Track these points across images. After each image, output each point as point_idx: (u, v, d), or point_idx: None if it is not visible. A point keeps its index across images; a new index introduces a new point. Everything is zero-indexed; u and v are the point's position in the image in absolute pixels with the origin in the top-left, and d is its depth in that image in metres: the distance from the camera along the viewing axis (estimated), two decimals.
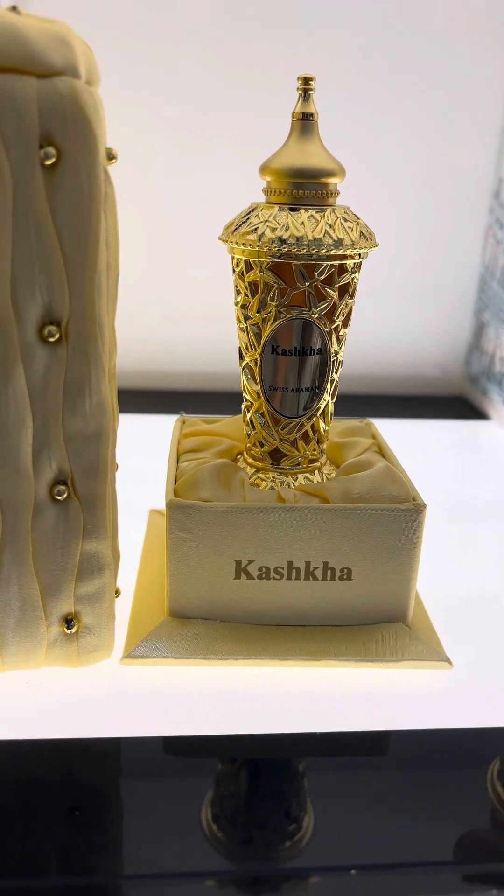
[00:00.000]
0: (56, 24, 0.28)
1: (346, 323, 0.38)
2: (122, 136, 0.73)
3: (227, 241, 0.37)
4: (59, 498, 0.32)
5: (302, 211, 0.35)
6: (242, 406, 0.41)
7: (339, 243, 0.35)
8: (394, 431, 0.58)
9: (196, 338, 0.82)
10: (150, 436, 0.55)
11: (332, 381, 0.39)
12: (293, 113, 0.36)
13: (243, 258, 0.36)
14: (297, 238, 0.34)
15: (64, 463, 0.32)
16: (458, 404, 0.84)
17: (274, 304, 0.36)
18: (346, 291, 0.37)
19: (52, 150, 0.27)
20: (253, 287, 0.37)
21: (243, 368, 0.39)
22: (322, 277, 0.35)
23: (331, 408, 0.40)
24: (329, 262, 0.35)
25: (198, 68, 0.73)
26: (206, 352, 0.82)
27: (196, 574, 0.38)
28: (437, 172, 0.79)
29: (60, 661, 0.36)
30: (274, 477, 0.40)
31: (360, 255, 0.36)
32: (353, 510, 0.37)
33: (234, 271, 0.38)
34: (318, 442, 0.40)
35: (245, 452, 0.42)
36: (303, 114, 0.36)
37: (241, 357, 0.39)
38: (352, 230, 0.35)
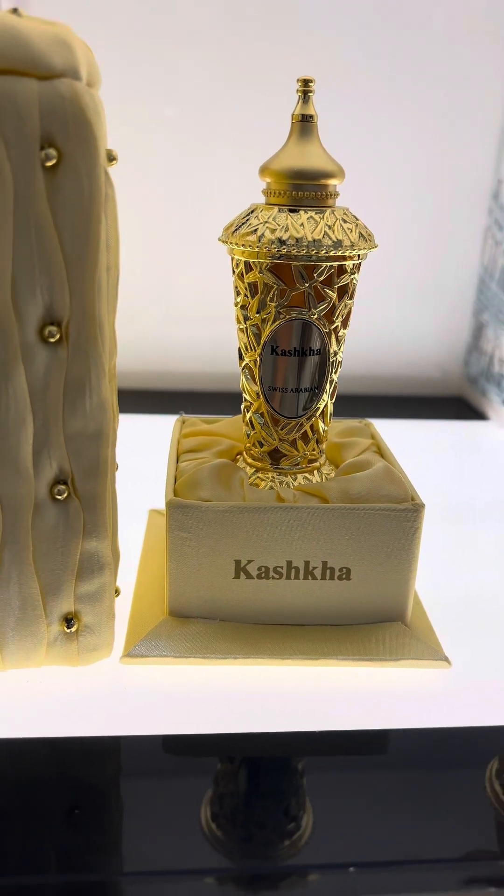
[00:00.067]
0: (57, 27, 0.28)
1: (345, 324, 0.38)
2: (123, 136, 0.73)
3: (226, 242, 0.37)
4: (59, 497, 0.32)
5: (301, 212, 0.35)
6: (242, 406, 0.41)
7: (338, 244, 0.35)
8: (393, 432, 0.58)
9: (196, 338, 0.82)
10: (151, 436, 0.56)
11: (332, 382, 0.39)
12: (293, 115, 0.36)
13: (243, 259, 0.36)
14: (297, 239, 0.35)
15: (64, 462, 0.32)
16: (457, 405, 0.84)
17: (273, 304, 0.36)
18: (345, 292, 0.37)
19: (52, 152, 0.27)
20: (252, 288, 0.37)
21: (243, 369, 0.39)
22: (321, 278, 0.36)
23: (330, 408, 0.40)
24: (328, 263, 0.35)
25: (198, 68, 0.73)
26: (206, 352, 0.82)
27: (195, 573, 0.38)
28: (437, 174, 0.79)
29: (60, 660, 0.36)
30: (273, 477, 0.40)
31: (359, 256, 0.36)
32: (352, 510, 0.37)
33: (233, 272, 0.38)
34: (317, 442, 0.40)
35: (245, 452, 0.42)
36: (302, 115, 0.36)
37: (241, 357, 0.39)
38: (351, 231, 0.35)
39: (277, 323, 0.37)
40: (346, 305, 0.38)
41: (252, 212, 0.36)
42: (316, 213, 0.35)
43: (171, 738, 0.34)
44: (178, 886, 0.28)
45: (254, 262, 0.36)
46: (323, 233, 0.35)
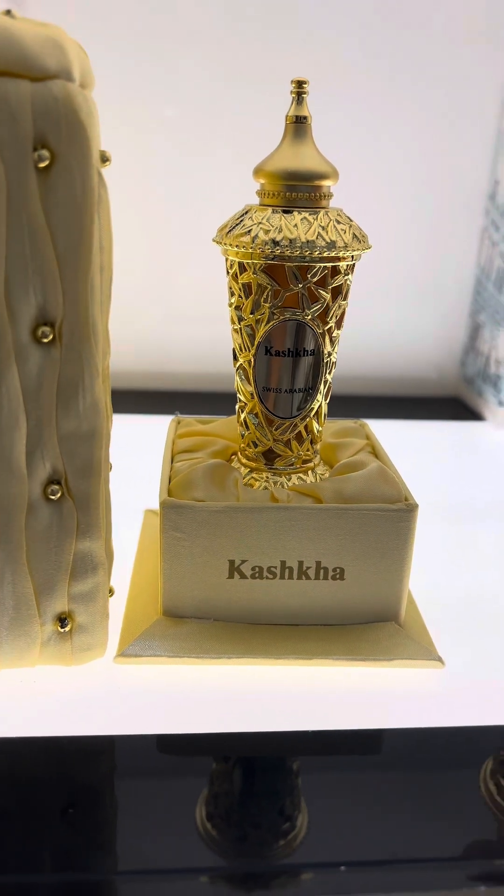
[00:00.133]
0: (50, 28, 0.28)
1: (339, 324, 0.38)
2: (122, 136, 0.74)
3: (220, 243, 0.37)
4: (52, 497, 0.32)
5: (295, 213, 0.35)
6: (236, 407, 0.41)
7: (331, 245, 0.35)
8: (389, 432, 0.58)
9: (193, 338, 0.82)
10: (147, 436, 0.56)
11: (326, 382, 0.39)
12: (287, 116, 0.36)
13: (237, 260, 0.36)
14: (290, 240, 0.35)
15: (57, 463, 0.32)
16: (453, 405, 0.84)
17: (267, 305, 0.36)
18: (339, 293, 0.37)
19: (45, 153, 0.28)
20: (246, 288, 0.37)
21: (237, 369, 0.39)
22: (315, 279, 0.36)
23: (324, 408, 0.40)
24: (322, 264, 0.35)
25: (198, 68, 0.73)
26: (202, 352, 0.82)
27: (190, 573, 0.38)
28: (434, 175, 0.79)
29: (54, 660, 0.36)
30: (268, 477, 0.40)
31: (352, 257, 0.36)
32: (346, 510, 0.38)
33: (228, 273, 0.38)
34: (311, 442, 0.40)
35: (239, 453, 0.42)
36: (296, 117, 0.36)
37: (235, 358, 0.39)
38: (344, 232, 0.36)
39: (271, 324, 0.37)
40: (339, 306, 0.38)
41: (246, 213, 0.37)
42: (310, 215, 0.35)
43: (165, 737, 0.34)
44: (173, 885, 0.28)
45: (248, 263, 0.36)
46: (316, 234, 0.35)
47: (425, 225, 0.81)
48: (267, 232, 0.35)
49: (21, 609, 0.34)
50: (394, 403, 0.84)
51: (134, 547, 0.48)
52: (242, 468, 0.41)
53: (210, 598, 0.39)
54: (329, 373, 0.39)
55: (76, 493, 0.33)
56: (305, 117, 0.36)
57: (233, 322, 0.39)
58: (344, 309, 0.38)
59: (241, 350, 0.39)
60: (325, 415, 0.41)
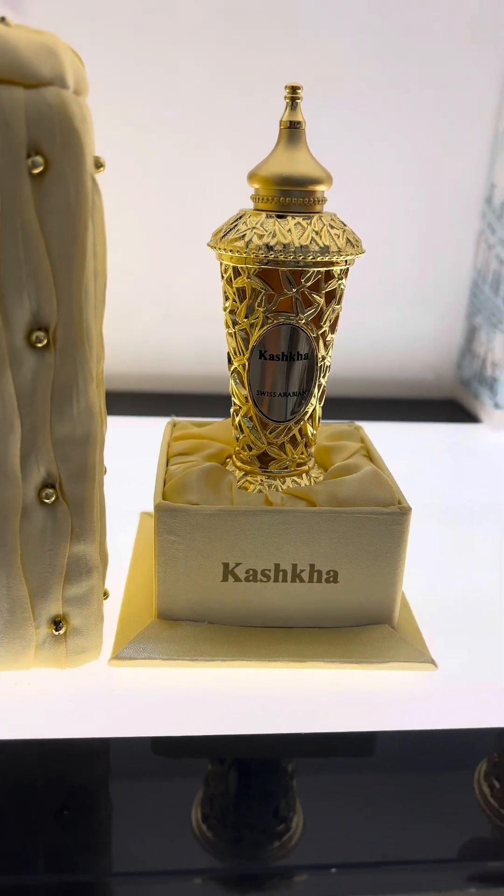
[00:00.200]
0: (44, 35, 0.29)
1: (333, 328, 0.39)
2: (121, 137, 0.74)
3: (215, 248, 0.37)
4: (46, 501, 0.33)
5: (289, 218, 0.36)
6: (231, 410, 0.41)
7: (325, 250, 0.35)
8: (386, 434, 0.58)
9: (190, 340, 0.82)
10: (144, 438, 0.56)
11: (320, 386, 0.39)
12: (281, 121, 0.37)
13: (231, 264, 0.37)
14: (284, 245, 0.35)
15: (52, 466, 0.32)
16: (450, 408, 0.85)
17: (261, 309, 0.37)
18: (332, 297, 0.37)
19: (39, 160, 0.28)
20: (241, 293, 0.37)
21: (232, 373, 0.40)
22: (309, 284, 0.36)
23: (318, 412, 0.40)
24: (315, 269, 0.36)
25: (196, 70, 0.73)
26: (199, 354, 0.82)
27: (184, 576, 0.38)
28: (430, 178, 0.79)
29: (49, 663, 0.36)
30: (262, 480, 0.40)
31: (346, 261, 0.36)
32: (339, 513, 0.38)
33: (222, 277, 0.38)
34: (305, 446, 0.41)
35: (234, 456, 0.42)
36: (290, 122, 0.36)
37: (230, 362, 0.40)
38: (338, 237, 0.36)
39: (265, 328, 0.37)
40: (333, 310, 0.38)
41: (240, 217, 0.37)
42: (303, 219, 0.36)
43: (160, 739, 0.35)
44: (167, 887, 0.28)
45: (242, 268, 0.36)
46: (310, 239, 0.35)
47: (422, 227, 0.81)
48: (261, 237, 0.35)
49: (16, 612, 0.34)
50: (390, 405, 0.84)
51: (129, 549, 0.48)
52: (237, 471, 0.41)
53: (204, 600, 0.39)
54: (323, 376, 0.39)
55: (70, 496, 0.33)
56: (299, 122, 0.36)
57: (227, 326, 0.39)
58: (338, 313, 0.38)
59: (235, 354, 0.39)
60: (319, 418, 0.41)
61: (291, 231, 0.35)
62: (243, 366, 0.38)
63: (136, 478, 0.50)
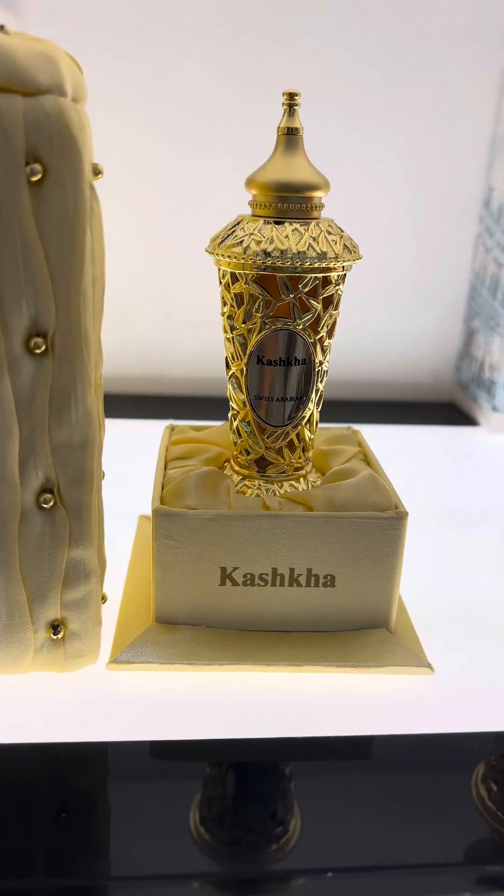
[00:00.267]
0: (43, 43, 0.29)
1: (330, 333, 0.39)
2: (120, 142, 0.74)
3: (213, 254, 0.37)
4: (45, 506, 0.33)
5: (286, 224, 0.36)
6: (229, 414, 0.41)
7: (322, 256, 0.35)
8: (384, 437, 0.59)
9: (189, 343, 0.83)
10: (142, 441, 0.56)
11: (318, 391, 0.40)
12: (278, 127, 0.37)
13: (229, 270, 0.37)
14: (282, 251, 0.35)
15: (50, 472, 0.33)
16: (448, 410, 0.85)
17: (259, 315, 0.37)
18: (330, 303, 0.38)
19: (38, 167, 0.28)
20: (238, 298, 0.37)
21: (230, 378, 0.40)
22: (306, 289, 0.36)
23: (316, 416, 0.41)
24: (313, 275, 0.36)
25: (195, 76, 0.73)
26: (198, 357, 0.83)
27: (182, 580, 0.39)
28: (428, 181, 0.79)
29: (47, 667, 0.36)
30: (260, 484, 0.41)
31: (343, 267, 0.36)
32: (337, 518, 0.38)
33: (220, 282, 0.38)
34: (303, 450, 0.41)
35: (232, 460, 0.42)
36: (288, 128, 0.37)
37: (228, 366, 0.40)
38: (335, 243, 0.36)
39: (263, 333, 0.37)
40: (331, 316, 0.38)
41: (238, 223, 0.37)
42: (301, 226, 0.36)
43: (158, 743, 0.35)
44: (166, 891, 0.28)
45: (239, 274, 0.36)
46: (307, 245, 0.35)
47: (420, 231, 0.81)
48: (258, 243, 0.35)
49: (14, 616, 0.34)
50: (389, 408, 0.84)
51: (127, 552, 0.48)
52: (235, 475, 0.41)
53: (202, 604, 0.39)
54: (321, 381, 0.39)
55: (69, 501, 0.33)
56: (297, 129, 0.37)
57: (225, 331, 0.39)
58: (335, 318, 0.39)
59: (233, 359, 0.39)
60: (316, 422, 0.41)
61: (289, 237, 0.35)
62: (241, 371, 0.39)
63: (135, 481, 0.50)
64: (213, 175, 0.76)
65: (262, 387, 0.38)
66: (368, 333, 0.84)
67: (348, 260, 0.36)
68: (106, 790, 0.33)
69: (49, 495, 0.33)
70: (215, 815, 0.31)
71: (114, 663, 0.38)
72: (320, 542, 0.38)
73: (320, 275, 0.36)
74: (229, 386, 0.40)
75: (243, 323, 0.37)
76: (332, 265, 0.36)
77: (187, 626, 0.39)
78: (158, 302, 0.82)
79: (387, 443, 0.55)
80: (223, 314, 0.39)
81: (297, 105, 0.37)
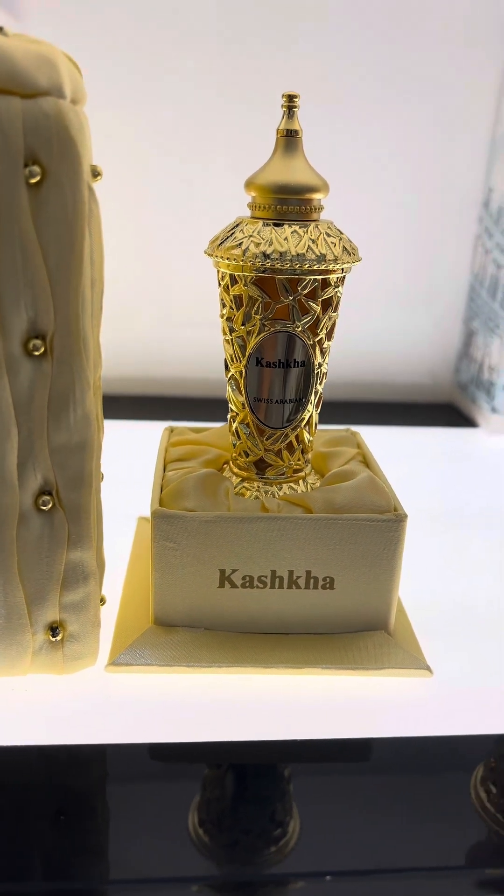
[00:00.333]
0: (42, 45, 0.29)
1: (329, 336, 0.39)
2: (119, 144, 0.74)
3: (212, 255, 0.37)
4: (43, 508, 0.33)
5: (286, 226, 0.36)
6: (228, 416, 0.41)
7: (321, 258, 0.35)
8: (383, 438, 0.59)
9: (189, 344, 0.83)
10: (141, 442, 0.56)
11: (317, 393, 0.40)
12: (277, 129, 0.37)
13: (228, 272, 0.37)
14: (281, 253, 0.35)
15: (49, 474, 0.32)
16: (447, 412, 0.85)
17: (258, 317, 0.37)
18: (329, 305, 0.38)
19: (36, 169, 0.28)
20: (237, 300, 0.37)
21: (229, 379, 0.40)
22: (305, 291, 0.36)
23: (315, 418, 0.40)
24: (312, 277, 0.36)
25: (194, 77, 0.73)
26: (198, 358, 0.83)
27: (180, 583, 0.39)
28: (428, 182, 0.79)
29: (45, 669, 0.36)
30: (259, 487, 0.40)
31: (342, 269, 0.36)
32: (336, 520, 0.38)
33: (219, 284, 0.38)
34: (302, 452, 0.41)
35: (231, 462, 0.42)
36: (287, 130, 0.37)
37: (227, 368, 0.40)
38: (335, 245, 0.36)
39: (262, 335, 0.37)
40: (330, 318, 0.38)
41: (237, 225, 0.37)
42: (300, 228, 0.36)
43: (156, 745, 0.35)
44: (165, 894, 0.28)
45: (238, 276, 0.36)
46: (307, 247, 0.35)
47: (419, 232, 0.81)
48: (258, 245, 0.35)
49: (12, 618, 0.34)
50: (388, 410, 0.84)
51: (126, 554, 0.48)
52: (234, 477, 0.41)
53: (201, 607, 0.39)
54: (320, 383, 0.39)
55: (67, 504, 0.33)
56: (296, 131, 0.37)
57: (224, 333, 0.39)
58: (334, 320, 0.39)
59: (232, 361, 0.39)
60: (315, 424, 0.41)
61: (288, 239, 0.35)
62: (240, 373, 0.39)
63: (134, 482, 0.50)
64: (213, 177, 0.76)
65: (262, 389, 0.38)
66: (367, 335, 0.84)
67: (347, 262, 0.36)
68: (105, 792, 0.33)
69: (48, 497, 0.33)
70: (214, 818, 0.31)
71: (112, 665, 0.38)
72: (319, 545, 0.38)
73: (319, 277, 0.36)
74: (228, 388, 0.40)
75: (242, 325, 0.37)
76: (331, 267, 0.36)
77: (186, 629, 0.39)
78: (158, 303, 0.82)
79: (386, 444, 0.55)
80: (222, 316, 0.39)
81: (296, 107, 0.36)
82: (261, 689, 0.38)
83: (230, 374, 0.39)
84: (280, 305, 0.36)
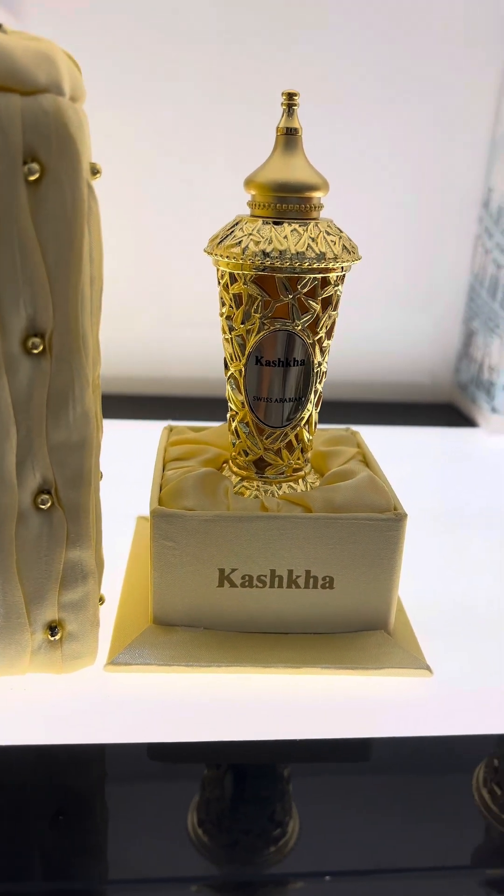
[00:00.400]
0: (41, 42, 0.29)
1: (329, 334, 0.39)
2: (118, 142, 0.74)
3: (211, 254, 0.37)
4: (42, 507, 0.33)
5: (285, 224, 0.36)
6: (228, 415, 0.41)
7: (321, 257, 0.35)
8: (383, 438, 0.59)
9: (188, 343, 0.82)
10: (141, 441, 0.56)
11: (316, 392, 0.39)
12: (277, 128, 0.37)
13: (227, 270, 0.37)
14: (280, 251, 0.35)
15: (48, 472, 0.32)
16: (447, 412, 0.85)
17: (258, 315, 0.37)
18: (329, 304, 0.37)
19: (35, 166, 0.28)
20: (237, 299, 0.37)
21: (228, 378, 0.40)
22: (305, 290, 0.36)
23: (315, 417, 0.40)
24: (312, 276, 0.36)
25: (194, 75, 0.73)
26: (198, 357, 0.83)
27: (180, 582, 0.38)
28: (428, 182, 0.79)
29: (44, 668, 0.36)
30: (258, 486, 0.40)
31: (342, 268, 0.36)
32: (335, 519, 0.38)
33: (219, 283, 0.38)
34: (301, 451, 0.41)
35: (230, 461, 0.42)
36: (287, 128, 0.36)
37: (227, 367, 0.40)
38: (334, 244, 0.36)
39: (262, 334, 0.37)
40: (330, 317, 0.38)
41: (237, 224, 0.37)
42: (300, 226, 0.36)
43: (155, 745, 0.35)
44: (164, 894, 0.28)
45: (238, 274, 0.36)
46: (306, 245, 0.35)
47: (419, 232, 0.81)
48: (257, 243, 0.35)
49: (11, 618, 0.34)
50: (388, 409, 0.84)
51: (125, 553, 0.48)
52: (233, 476, 0.41)
53: (200, 606, 0.39)
54: (319, 382, 0.39)
55: (66, 502, 0.33)
56: (296, 129, 0.37)
57: (224, 332, 0.39)
58: (334, 319, 0.38)
59: (231, 359, 0.39)
60: (315, 423, 0.41)
61: (288, 238, 0.35)
62: (240, 371, 0.38)
63: (133, 481, 0.50)
64: (213, 177, 0.76)
65: (261, 388, 0.38)
66: (367, 334, 0.84)
67: (347, 260, 0.36)
68: (104, 792, 0.33)
69: (47, 496, 0.33)
70: (213, 818, 0.31)
71: (111, 665, 0.38)
72: (319, 544, 0.38)
73: (319, 275, 0.36)
74: (228, 387, 0.40)
75: (242, 323, 0.37)
76: (331, 266, 0.36)
77: (185, 628, 0.39)
78: (157, 302, 0.81)
79: (386, 444, 0.55)
80: (222, 315, 0.39)
81: (296, 105, 0.36)
82: (260, 689, 0.38)
83: (230, 373, 0.39)
84: (280, 304, 0.36)
